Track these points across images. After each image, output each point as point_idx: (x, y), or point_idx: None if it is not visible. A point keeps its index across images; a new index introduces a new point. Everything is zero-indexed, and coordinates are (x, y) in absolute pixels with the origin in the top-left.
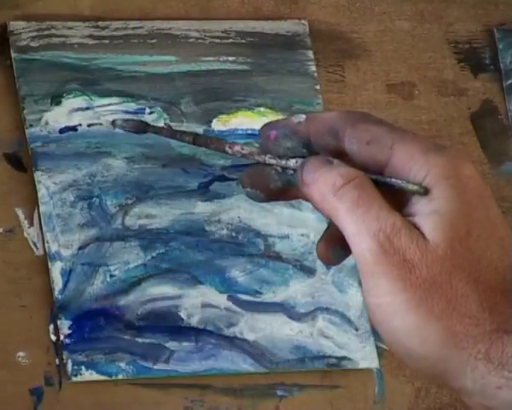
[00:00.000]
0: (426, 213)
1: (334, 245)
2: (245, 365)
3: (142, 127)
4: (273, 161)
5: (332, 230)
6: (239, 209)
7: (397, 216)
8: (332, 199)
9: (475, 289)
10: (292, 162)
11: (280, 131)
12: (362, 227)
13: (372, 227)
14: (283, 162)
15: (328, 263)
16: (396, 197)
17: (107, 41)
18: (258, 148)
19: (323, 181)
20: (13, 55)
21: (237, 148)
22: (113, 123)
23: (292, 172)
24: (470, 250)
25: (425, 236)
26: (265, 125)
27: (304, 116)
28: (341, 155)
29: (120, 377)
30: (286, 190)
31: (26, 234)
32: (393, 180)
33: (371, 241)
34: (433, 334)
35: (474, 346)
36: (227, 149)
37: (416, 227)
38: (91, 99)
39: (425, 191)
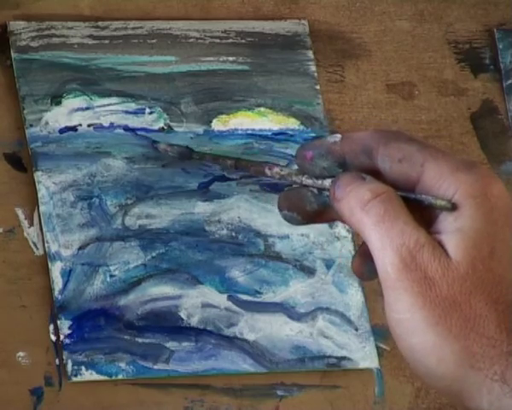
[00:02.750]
0: (451, 231)
1: (369, 260)
2: (245, 365)
3: (187, 154)
4: (309, 181)
5: (366, 245)
6: (239, 209)
7: (421, 232)
8: (359, 213)
9: (494, 310)
10: (328, 182)
11: (316, 152)
12: (386, 241)
13: (395, 242)
14: (319, 182)
15: (363, 278)
16: (424, 215)
17: (107, 41)
18: (296, 169)
19: (353, 196)
20: (13, 55)
21: (276, 169)
22: (156, 147)
23: (328, 192)
24: (492, 271)
25: (448, 253)
26: (302, 146)
27: (339, 136)
28: (375, 174)
29: (120, 377)
30: (322, 212)
31: (26, 234)
32: (423, 196)
33: (394, 255)
34: (450, 353)
35: (491, 367)
36: (266, 170)
37: (440, 245)
38: (91, 99)
39: (453, 207)
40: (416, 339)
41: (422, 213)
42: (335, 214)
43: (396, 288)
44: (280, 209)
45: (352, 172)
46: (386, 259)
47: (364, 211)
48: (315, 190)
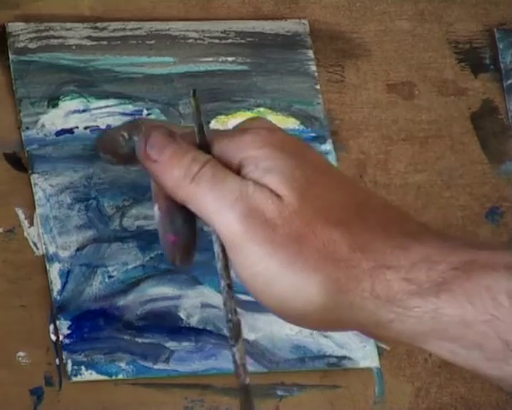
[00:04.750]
0: (262, 176)
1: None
2: None
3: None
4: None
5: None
6: None
7: (249, 182)
8: (189, 185)
9: (340, 234)
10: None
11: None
12: (221, 203)
13: (229, 199)
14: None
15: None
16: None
17: (105, 42)
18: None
19: (177, 167)
20: (11, 56)
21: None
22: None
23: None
24: (318, 197)
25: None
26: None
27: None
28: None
29: (120, 377)
30: (134, 156)
31: (26, 234)
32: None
33: (233, 212)
34: (315, 286)
35: (358, 285)
36: None
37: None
38: (88, 101)
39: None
40: (276, 286)
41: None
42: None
43: (243, 242)
44: (98, 151)
45: (161, 130)
46: (225, 219)
47: (194, 182)
48: (126, 135)
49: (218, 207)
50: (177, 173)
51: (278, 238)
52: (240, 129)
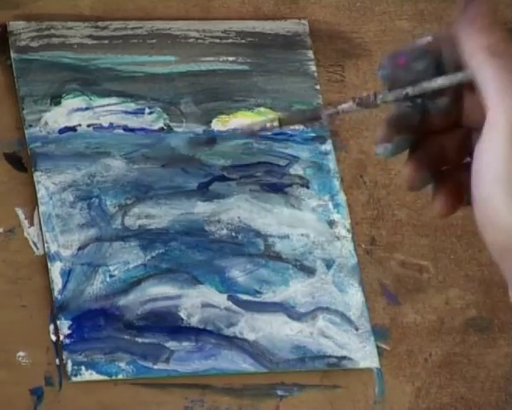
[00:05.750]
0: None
1: (423, 170)
2: (245, 365)
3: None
4: (441, 81)
5: (423, 154)
6: (239, 209)
7: None
8: (488, 58)
9: None
10: (440, 81)
11: (409, 56)
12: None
13: None
14: (451, 76)
15: (411, 188)
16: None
17: (106, 41)
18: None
19: (487, 37)
20: (12, 55)
21: (346, 105)
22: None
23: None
24: None
25: None
26: (392, 54)
27: (429, 37)
28: None
29: (120, 377)
30: (424, 122)
31: (26, 234)
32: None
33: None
34: None
35: None
36: (350, 102)
37: None
38: (91, 99)
39: None
40: (498, 188)
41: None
42: (434, 120)
43: (499, 133)
44: (388, 141)
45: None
46: (506, 103)
47: (495, 57)
48: (409, 103)
49: (506, 91)
50: (484, 42)
51: None
52: None
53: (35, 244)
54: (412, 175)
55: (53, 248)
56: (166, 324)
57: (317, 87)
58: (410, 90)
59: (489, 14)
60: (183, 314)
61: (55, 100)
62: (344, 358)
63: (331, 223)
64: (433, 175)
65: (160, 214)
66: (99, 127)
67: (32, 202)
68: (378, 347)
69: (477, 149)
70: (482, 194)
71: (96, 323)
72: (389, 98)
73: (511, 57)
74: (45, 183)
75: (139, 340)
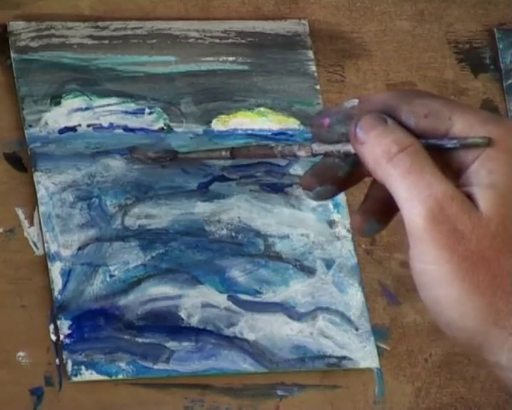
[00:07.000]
0: (483, 185)
1: (370, 218)
2: (245, 365)
3: (172, 156)
4: (331, 148)
5: (369, 203)
6: (239, 209)
7: (449, 185)
8: (386, 165)
9: None
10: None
11: (333, 118)
12: (413, 193)
13: (423, 193)
14: (339, 146)
15: (361, 235)
16: (453, 167)
17: (106, 41)
18: (300, 143)
19: (378, 145)
20: (12, 55)
21: (286, 147)
22: (133, 154)
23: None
24: None
25: (478, 208)
26: (318, 113)
27: (356, 100)
28: None
29: (120, 377)
30: (352, 175)
31: (26, 234)
32: (454, 141)
33: (421, 206)
34: (475, 309)
35: None
36: (274, 151)
37: (470, 198)
38: (91, 99)
39: (489, 142)
40: (440, 291)
41: (450, 165)
42: (365, 171)
43: (423, 239)
44: (309, 189)
45: (373, 114)
46: (413, 209)
47: (391, 163)
48: (341, 154)
49: (410, 197)
50: (378, 152)
51: (460, 250)
52: (489, 114)
53: (35, 244)
54: (358, 224)
55: (53, 248)
56: (166, 324)
57: (317, 87)
58: (315, 147)
59: (376, 123)
60: (183, 314)
61: (55, 100)
62: (344, 358)
63: (331, 223)
64: (380, 221)
65: (159, 214)
66: (99, 127)
67: (32, 202)
68: (378, 347)
69: (410, 258)
70: (428, 298)
71: (96, 323)
72: (319, 151)
73: (407, 156)
74: (45, 183)
75: (139, 340)
